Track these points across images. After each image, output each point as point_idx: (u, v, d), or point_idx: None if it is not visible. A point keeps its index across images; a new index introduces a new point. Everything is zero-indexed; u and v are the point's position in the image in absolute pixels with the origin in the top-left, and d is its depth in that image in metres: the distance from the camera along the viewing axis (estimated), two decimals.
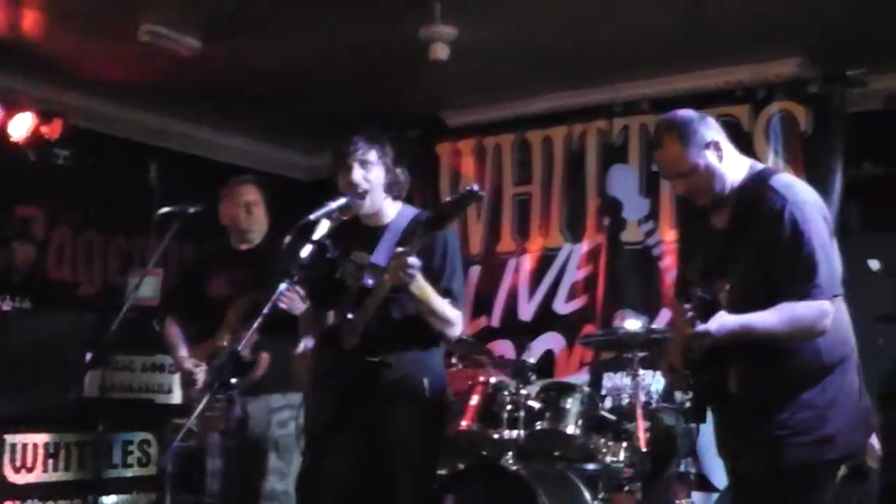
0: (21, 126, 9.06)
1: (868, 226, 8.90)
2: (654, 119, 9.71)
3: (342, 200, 5.28)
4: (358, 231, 5.51)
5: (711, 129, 4.75)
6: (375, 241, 5.41)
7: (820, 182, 8.35)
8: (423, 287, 5.12)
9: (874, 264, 8.48)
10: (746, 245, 4.60)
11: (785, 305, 4.42)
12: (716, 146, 4.70)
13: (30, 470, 7.16)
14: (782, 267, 4.48)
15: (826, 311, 4.44)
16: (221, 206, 6.88)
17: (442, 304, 5.24)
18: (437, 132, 11.13)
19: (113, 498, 7.55)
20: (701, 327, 4.35)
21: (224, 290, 6.65)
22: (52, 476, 7.26)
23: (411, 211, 5.58)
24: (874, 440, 6.63)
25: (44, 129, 9.07)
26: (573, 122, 10.38)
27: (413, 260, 4.97)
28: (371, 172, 5.38)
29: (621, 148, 10.09)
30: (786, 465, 4.50)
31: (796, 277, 4.44)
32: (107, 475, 7.51)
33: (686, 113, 4.88)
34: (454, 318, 5.34)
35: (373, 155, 5.40)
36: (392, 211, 5.51)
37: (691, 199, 4.86)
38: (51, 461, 7.26)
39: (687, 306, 4.47)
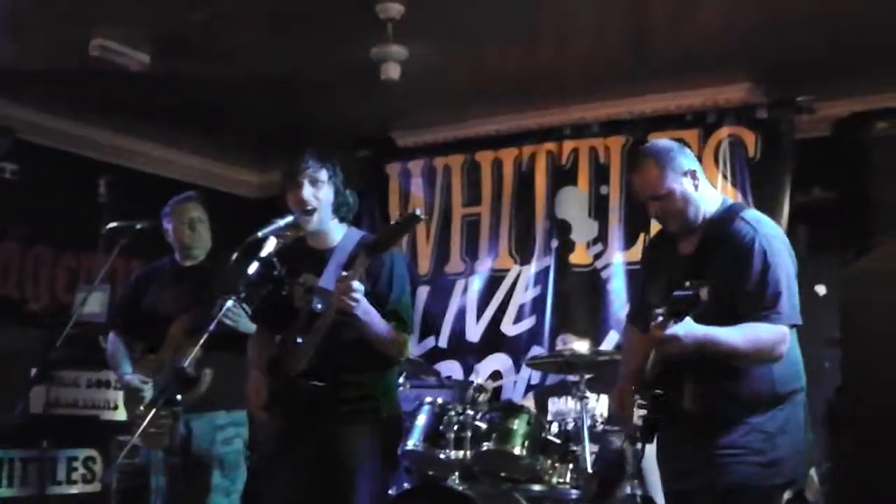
0: None
1: (816, 251, 8.96)
2: (603, 142, 9.82)
3: (290, 218, 5.27)
4: (305, 254, 5.47)
5: (689, 159, 4.89)
6: (322, 264, 5.38)
7: (768, 207, 8.42)
8: (368, 311, 5.10)
9: (821, 289, 8.54)
10: (711, 269, 4.67)
11: (749, 325, 4.52)
12: (692, 175, 4.84)
13: None
14: (748, 292, 4.59)
15: (785, 337, 4.56)
16: (165, 222, 6.84)
17: (387, 328, 5.22)
18: (387, 152, 11.10)
19: None
20: (670, 330, 4.38)
21: (167, 307, 6.60)
22: None
23: (357, 233, 5.55)
24: (814, 473, 6.71)
25: None
26: (523, 143, 10.38)
27: (356, 284, 4.96)
28: (321, 191, 5.36)
29: (570, 170, 10.09)
30: (733, 485, 4.57)
31: (761, 303, 4.55)
32: (51, 491, 7.46)
33: (667, 142, 5.10)
34: (401, 341, 5.33)
35: (324, 174, 5.38)
36: (339, 234, 5.49)
37: (663, 223, 4.99)
38: None
39: (658, 311, 4.50)
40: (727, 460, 4.57)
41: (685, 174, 4.82)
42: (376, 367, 5.36)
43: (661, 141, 5.25)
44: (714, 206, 4.89)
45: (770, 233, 4.72)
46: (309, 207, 5.32)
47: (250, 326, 5.94)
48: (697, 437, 4.68)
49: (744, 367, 4.61)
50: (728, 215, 4.82)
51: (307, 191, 5.32)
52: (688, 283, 4.45)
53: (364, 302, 5.02)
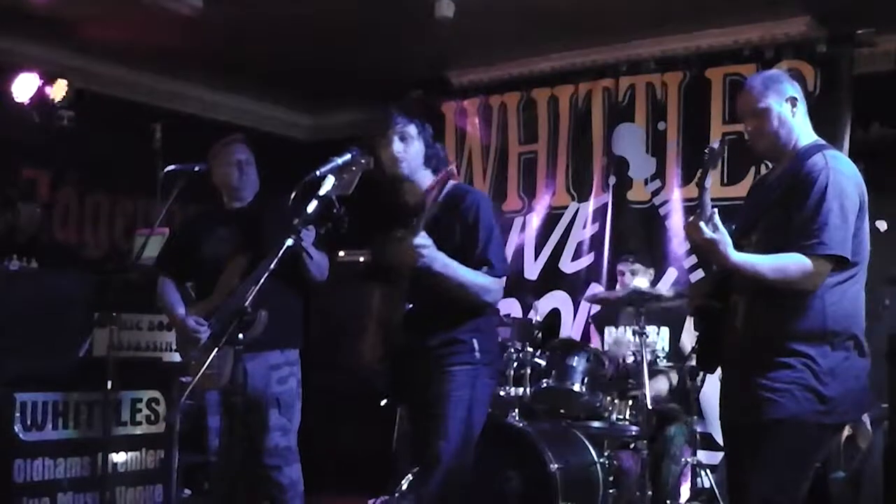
0: (26, 88, 9.06)
1: (875, 187, 8.83)
2: (660, 78, 9.72)
3: (347, 156, 5.26)
4: (403, 210, 5.54)
5: (794, 88, 4.99)
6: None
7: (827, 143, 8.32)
8: (443, 262, 5.15)
9: (882, 225, 8.45)
10: (782, 196, 4.79)
11: (782, 256, 4.58)
12: (793, 101, 4.93)
13: (40, 428, 7.18)
14: (799, 219, 4.63)
15: (819, 270, 4.57)
16: (213, 165, 6.84)
17: (472, 275, 5.27)
18: (442, 91, 11.07)
19: (122, 455, 7.57)
20: (708, 234, 4.54)
21: (216, 250, 6.61)
22: (61, 434, 7.28)
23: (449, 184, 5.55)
24: (867, 419, 6.68)
25: (48, 91, 9.05)
26: (579, 80, 10.33)
27: (418, 240, 5.00)
28: (411, 146, 5.50)
29: (627, 107, 10.02)
30: (782, 418, 4.59)
31: (806, 230, 4.58)
32: (116, 432, 7.53)
33: (777, 70, 5.56)
34: (489, 285, 5.34)
35: (412, 129, 5.54)
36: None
37: (753, 143, 5.06)
38: (60, 419, 7.28)
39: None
40: (777, 395, 4.59)
41: (787, 99, 4.91)
42: (463, 312, 5.39)
43: (772, 70, 5.61)
44: (807, 140, 4.95)
45: (840, 168, 4.73)
46: (400, 163, 5.44)
47: (321, 259, 6.13)
48: (748, 367, 4.73)
49: (795, 297, 4.64)
50: (812, 149, 4.86)
51: (397, 146, 5.46)
52: (750, 233, 4.78)
53: (432, 252, 5.08)
